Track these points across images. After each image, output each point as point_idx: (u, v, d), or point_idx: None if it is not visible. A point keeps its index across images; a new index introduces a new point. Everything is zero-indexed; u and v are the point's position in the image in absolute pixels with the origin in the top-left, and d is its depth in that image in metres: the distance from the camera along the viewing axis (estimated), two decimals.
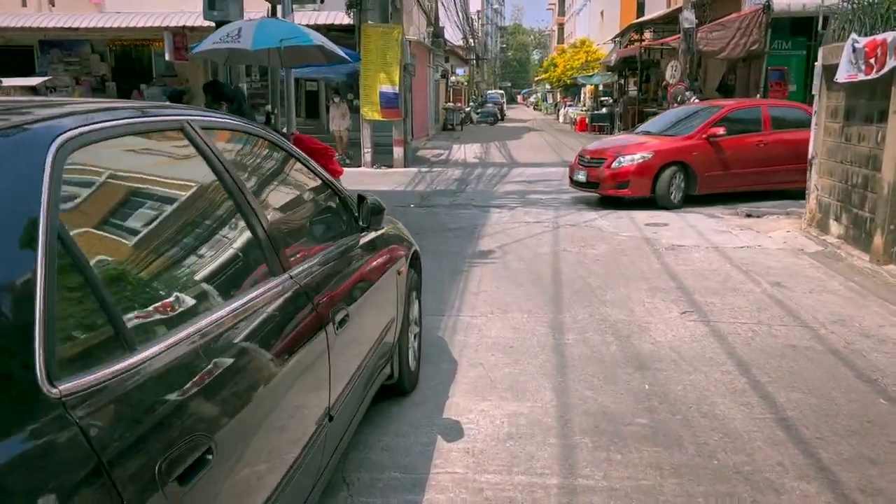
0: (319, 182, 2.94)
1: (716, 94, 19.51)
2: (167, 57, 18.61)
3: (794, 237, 8.32)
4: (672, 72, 16.88)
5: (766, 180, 10.68)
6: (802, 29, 17.86)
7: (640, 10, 37.42)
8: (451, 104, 35.34)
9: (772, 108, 11.08)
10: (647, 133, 11.20)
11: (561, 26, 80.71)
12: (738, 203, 10.27)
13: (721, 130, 10.27)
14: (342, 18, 18.14)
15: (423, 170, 16.49)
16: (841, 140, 7.88)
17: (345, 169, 17.31)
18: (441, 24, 31.52)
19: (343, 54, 6.82)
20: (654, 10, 23.67)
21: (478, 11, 59.01)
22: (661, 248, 7.67)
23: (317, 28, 19.66)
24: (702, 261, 7.04)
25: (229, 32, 5.79)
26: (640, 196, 10.18)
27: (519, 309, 5.42)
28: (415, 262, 4.08)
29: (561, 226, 9.07)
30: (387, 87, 16.33)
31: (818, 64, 8.42)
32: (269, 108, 8.81)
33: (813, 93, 8.66)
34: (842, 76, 7.52)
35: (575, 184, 10.93)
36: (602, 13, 45.57)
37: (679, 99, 16.66)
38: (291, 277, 2.20)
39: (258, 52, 6.37)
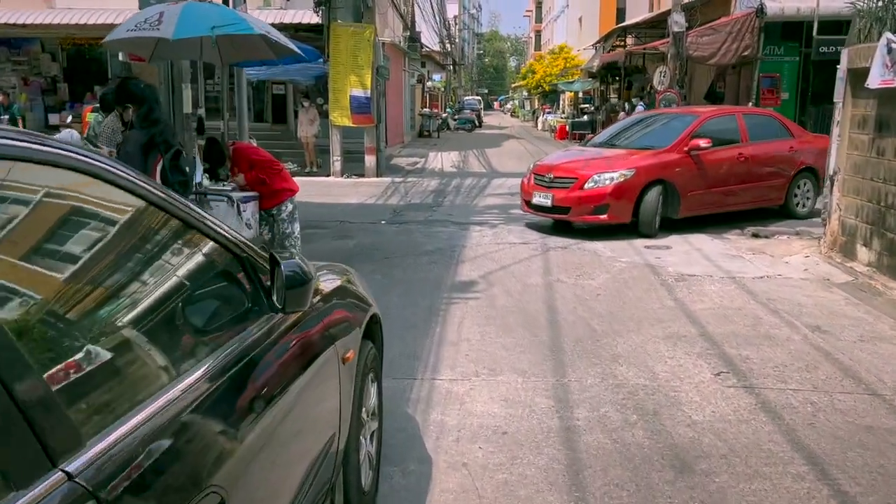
0: (205, 243, 1.81)
1: (704, 102, 18.66)
2: (120, 57, 17.26)
3: (815, 263, 7.33)
4: (660, 77, 15.96)
5: (746, 199, 9.34)
6: (795, 34, 17.08)
7: (620, 16, 36.75)
8: (427, 110, 34.26)
9: (747, 117, 9.82)
10: (611, 146, 9.37)
11: (538, 33, 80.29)
12: (710, 227, 8.91)
13: (704, 143, 8.70)
14: (310, 17, 16.96)
15: (398, 180, 15.35)
16: (871, 154, 6.90)
17: (314, 178, 16.20)
18: (418, 29, 30.48)
19: (294, 48, 5.67)
20: (636, 15, 22.86)
21: (455, 17, 58.13)
22: (669, 278, 6.62)
23: (283, 28, 18.45)
24: (720, 296, 5.99)
25: (147, 18, 4.62)
26: (620, 222, 8.46)
27: (511, 368, 4.30)
28: (373, 330, 2.95)
29: (551, 248, 7.98)
30: (358, 91, 15.18)
31: (842, 67, 7.46)
32: (200, 111, 7.61)
33: (835, 100, 7.70)
34: (874, 81, 6.54)
35: (534, 208, 8.97)
36: (580, 19, 44.89)
37: (663, 106, 15.74)
38: (71, 479, 1.04)
39: (188, 45, 5.22)
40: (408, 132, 28.03)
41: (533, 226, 9.43)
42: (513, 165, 18.53)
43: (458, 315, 5.41)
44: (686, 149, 8.71)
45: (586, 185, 8.41)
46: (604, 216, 8.40)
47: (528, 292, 6.10)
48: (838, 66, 7.60)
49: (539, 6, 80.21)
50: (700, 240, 8.39)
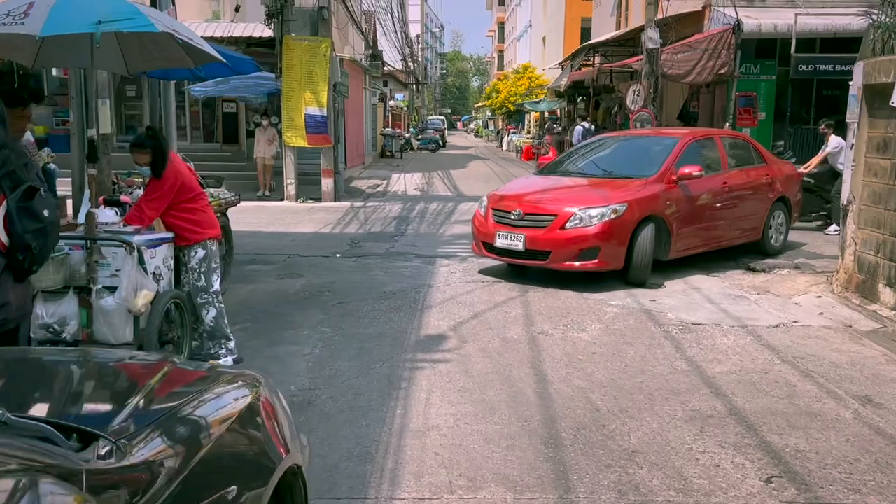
0: None
1: (677, 122, 18.01)
2: (54, 72, 15.90)
3: (830, 306, 6.42)
4: (634, 96, 15.20)
5: (730, 235, 8.13)
6: (770, 52, 16.55)
7: (586, 35, 36.39)
8: (389, 129, 33.25)
9: (724, 140, 8.61)
10: (581, 174, 7.96)
11: (501, 53, 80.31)
12: (698, 264, 7.76)
13: (696, 170, 7.36)
14: (262, 31, 15.84)
15: (357, 204, 14.23)
16: (894, 182, 6.04)
17: (266, 203, 14.93)
18: (380, 48, 29.52)
19: (215, 53, 4.55)
20: (602, 34, 22.24)
21: (417, 35, 57.50)
22: (672, 328, 5.62)
23: (233, 42, 17.29)
24: (738, 353, 5.01)
25: (11, 10, 3.46)
26: (612, 269, 6.96)
27: (497, 476, 3.21)
28: (288, 490, 1.82)
29: (529, 288, 6.94)
30: (314, 109, 14.07)
31: (855, 84, 6.61)
32: (91, 133, 6.40)
33: (848, 120, 6.86)
34: None
35: (498, 253, 7.29)
36: (544, 39, 44.57)
37: (638, 126, 14.98)
38: None
39: (76, 46, 4.09)
40: (369, 152, 26.95)
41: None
42: (480, 188, 17.53)
43: (424, 386, 4.31)
44: (674, 178, 7.37)
45: (568, 224, 6.83)
46: (593, 262, 6.81)
47: (510, 350, 5.03)
48: (850, 83, 6.77)
49: (501, 26, 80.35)
50: (694, 278, 7.43)
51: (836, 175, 9.58)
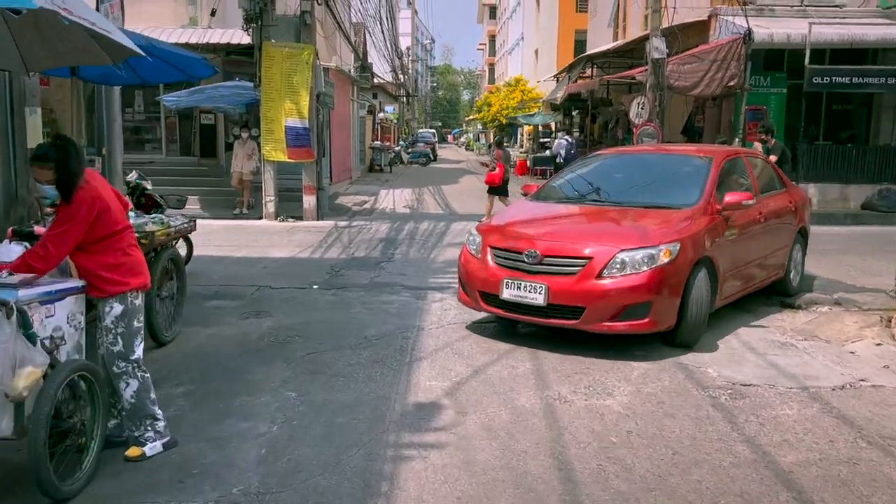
0: None
1: (681, 137, 17.08)
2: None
3: (892, 354, 5.40)
4: (638, 109, 14.24)
5: (762, 274, 6.82)
6: (779, 63, 15.67)
7: (579, 47, 35.63)
8: (378, 143, 32.23)
9: (751, 160, 7.32)
10: (596, 201, 6.37)
11: (492, 66, 79.74)
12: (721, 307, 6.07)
13: (745, 198, 6.05)
14: (241, 38, 14.80)
15: (341, 224, 13.15)
16: None
17: (242, 222, 13.78)
18: (370, 60, 28.55)
19: (133, 46, 3.47)
20: (598, 45, 21.35)
21: (408, 48, 56.68)
22: (717, 391, 4.56)
23: (212, 50, 16.26)
24: (808, 430, 3.96)
25: None
26: (663, 329, 5.32)
27: None
28: None
29: (535, 332, 5.88)
30: (295, 121, 13.02)
31: None
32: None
33: None
34: None
35: (505, 307, 5.56)
36: (536, 52, 43.82)
37: (642, 142, 14.03)
38: None
39: None
40: (357, 167, 25.90)
41: None
42: (473, 206, 16.54)
43: (411, 492, 3.23)
44: (719, 207, 5.89)
45: (608, 271, 5.16)
46: (642, 321, 5.15)
47: (522, 427, 3.96)
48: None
49: (493, 39, 79.89)
50: (726, 320, 6.37)
51: None
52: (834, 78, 13.90)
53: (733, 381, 4.76)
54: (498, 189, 13.61)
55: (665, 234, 5.40)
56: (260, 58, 13.11)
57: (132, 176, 7.91)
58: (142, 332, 3.58)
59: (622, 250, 5.22)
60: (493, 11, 79.38)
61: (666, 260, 5.22)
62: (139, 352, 3.54)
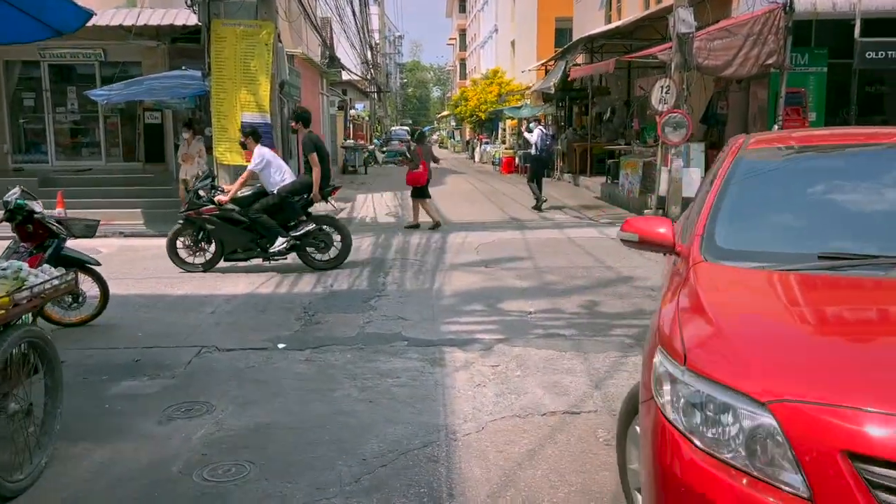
0: None
1: (699, 126, 14.98)
2: None
3: None
4: (662, 94, 12.09)
5: None
6: (821, 38, 13.64)
7: (560, 35, 33.53)
8: (351, 141, 29.80)
9: None
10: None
11: (463, 61, 77.52)
12: None
13: None
14: (188, 17, 12.32)
15: None
16: None
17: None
18: (338, 56, 26.07)
19: None
20: (588, 31, 19.19)
21: (377, 44, 54.18)
22: None
23: (155, 34, 13.75)
24: None
25: None
26: None
27: None
28: None
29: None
30: (253, 115, 10.59)
31: None
32: None
33: None
34: None
35: None
36: (513, 43, 41.66)
37: (668, 132, 11.93)
38: None
39: None
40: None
41: (555, 334, 5.09)
42: (467, 211, 14.26)
43: None
44: None
45: None
46: None
47: None
48: None
49: (463, 34, 77.67)
50: None
51: None
52: (890, 53, 11.88)
53: None
54: (422, 190, 11.89)
55: None
56: (209, 39, 10.68)
57: (12, 194, 5.47)
58: None
59: None
60: (462, 5, 77.13)
61: None
62: None
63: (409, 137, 13.91)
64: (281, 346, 5.40)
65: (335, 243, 8.40)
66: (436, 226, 11.65)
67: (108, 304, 6.07)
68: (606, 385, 4.44)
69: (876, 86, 14.81)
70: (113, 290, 6.15)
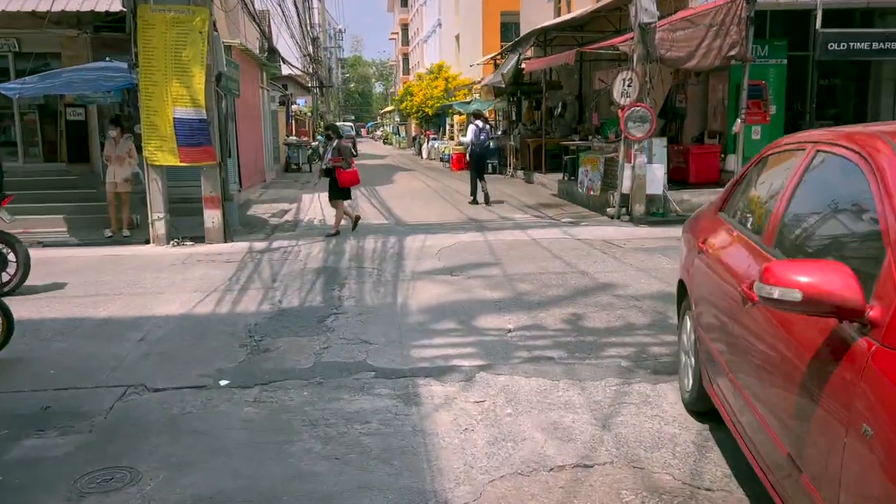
0: None
1: (659, 121, 14.58)
2: None
3: None
4: (623, 87, 11.59)
5: None
6: (776, 30, 13.39)
7: (506, 29, 33.06)
8: (294, 138, 28.63)
9: None
10: None
11: (405, 56, 76.54)
12: None
13: None
14: (111, 3, 11.17)
15: (258, 246, 9.82)
16: None
17: (119, 251, 8.79)
18: (276, 46, 24.88)
19: None
20: (536, 24, 18.69)
21: (317, 37, 52.72)
22: None
23: (76, 21, 12.47)
24: None
25: None
26: None
27: None
28: None
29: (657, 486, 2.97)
30: (186, 111, 9.60)
31: None
32: None
33: None
34: None
35: None
36: (457, 37, 41.01)
37: (631, 128, 11.49)
38: None
39: None
40: (271, 167, 22.33)
41: (542, 357, 4.40)
42: (421, 212, 13.49)
43: None
44: None
45: None
46: None
47: None
48: None
49: (405, 28, 76.68)
50: None
51: None
52: (852, 44, 11.65)
53: None
54: (348, 192, 11.24)
55: None
56: (135, 27, 9.62)
57: None
58: None
59: None
60: None
61: None
62: None
63: (327, 134, 12.85)
64: (223, 382, 4.55)
65: (9, 263, 6.98)
66: (356, 221, 11.12)
67: (15, 333, 5.11)
68: (615, 424, 3.78)
69: (830, 79, 14.72)
70: (24, 312, 5.22)
